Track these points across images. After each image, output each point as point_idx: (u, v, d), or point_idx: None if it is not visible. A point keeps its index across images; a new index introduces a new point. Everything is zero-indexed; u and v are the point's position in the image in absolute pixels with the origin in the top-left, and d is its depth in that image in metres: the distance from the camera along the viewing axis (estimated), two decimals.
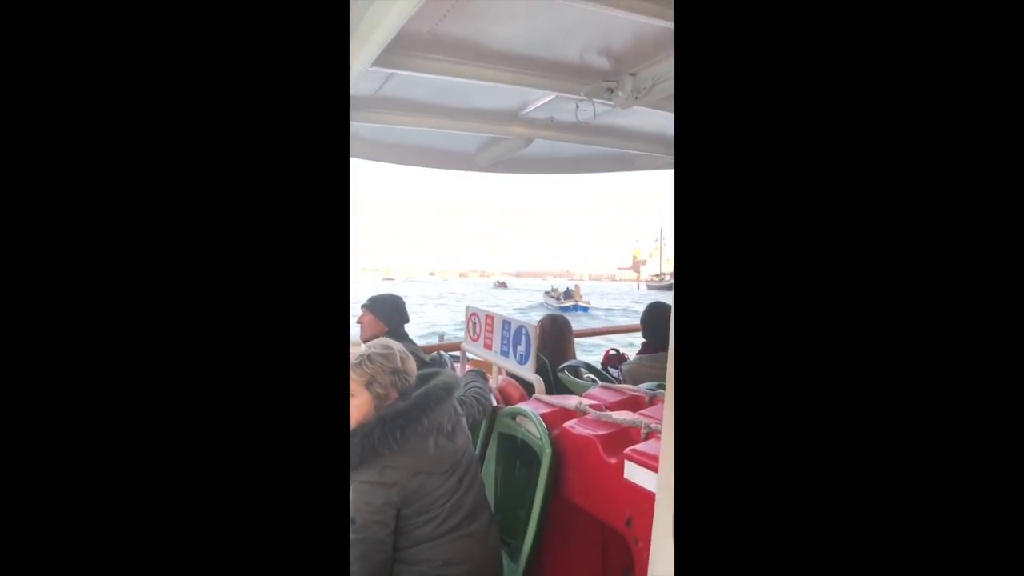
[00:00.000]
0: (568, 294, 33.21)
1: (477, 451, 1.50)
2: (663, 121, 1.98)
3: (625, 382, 1.92)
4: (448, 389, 1.22)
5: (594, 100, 1.53)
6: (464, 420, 1.30)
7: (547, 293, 37.77)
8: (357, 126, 1.88)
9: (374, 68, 1.27)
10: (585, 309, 29.90)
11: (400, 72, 1.36)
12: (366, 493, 1.09)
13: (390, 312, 2.01)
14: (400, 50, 1.27)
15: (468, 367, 2.22)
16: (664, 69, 1.40)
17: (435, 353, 2.38)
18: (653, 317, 2.08)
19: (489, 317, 2.06)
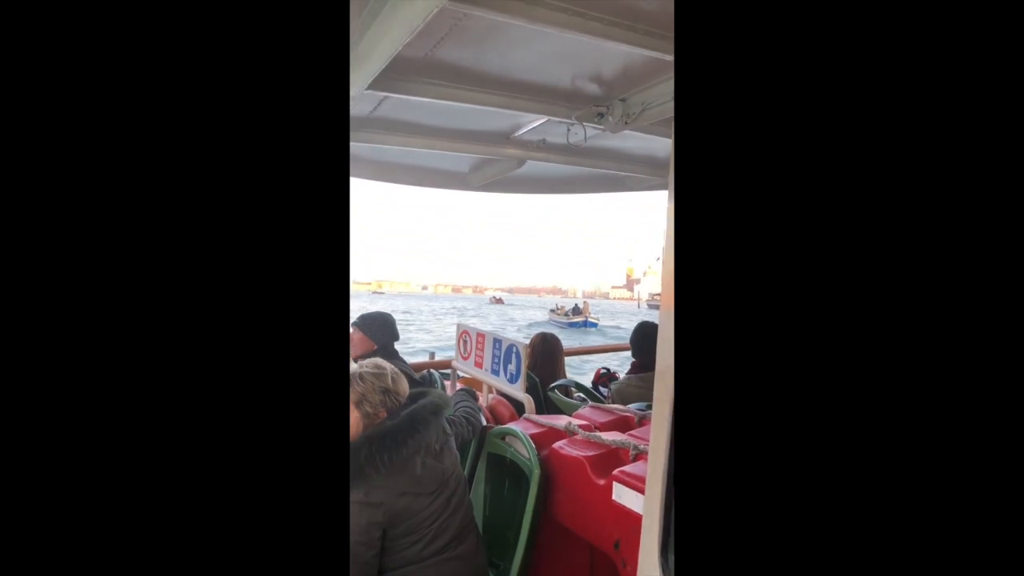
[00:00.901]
0: (577, 310, 33.73)
1: (466, 470, 1.50)
2: (652, 144, 2.02)
3: (614, 402, 1.92)
4: (437, 409, 1.22)
5: (585, 124, 1.56)
6: (453, 440, 1.30)
7: (552, 311, 38.05)
8: (352, 145, 1.91)
9: (369, 91, 1.30)
10: (595, 325, 30.45)
11: (394, 95, 1.39)
12: (352, 513, 1.08)
13: (379, 330, 2.01)
14: (395, 74, 1.29)
15: (458, 385, 2.22)
16: (653, 95, 1.44)
17: (425, 371, 2.37)
18: (642, 336, 2.09)
19: (480, 335, 2.06)
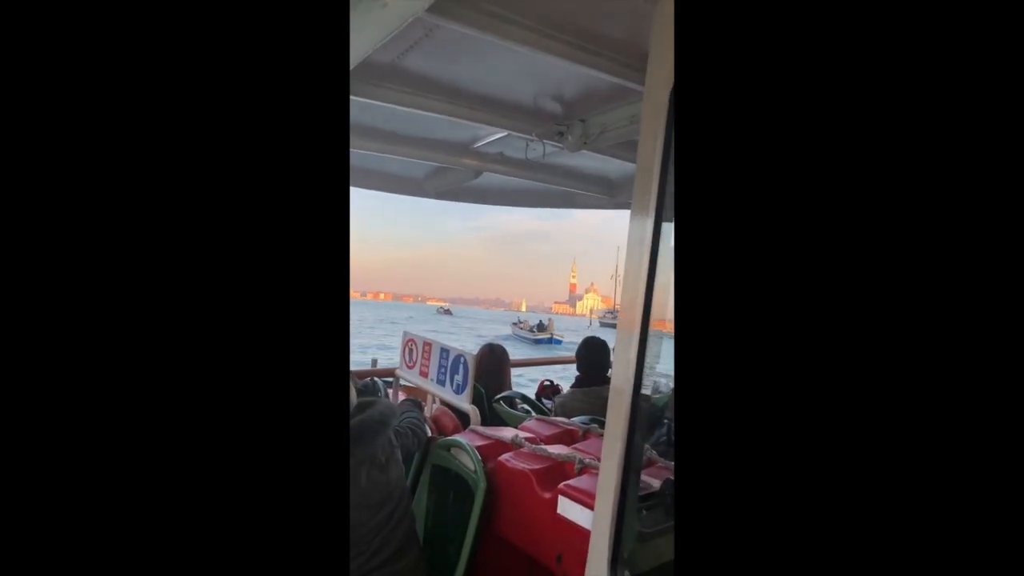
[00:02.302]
0: (542, 326, 33.97)
1: (409, 482, 1.47)
2: (607, 165, 2.09)
3: (557, 414, 1.95)
4: (384, 421, 1.19)
5: (544, 141, 1.59)
6: (398, 452, 1.27)
7: (515, 324, 38.06)
8: None
9: None
10: (560, 342, 30.68)
11: (357, 98, 1.37)
12: None
13: None
14: (360, 77, 1.27)
15: (401, 394, 2.17)
16: (613, 118, 1.49)
17: (368, 379, 2.31)
18: (588, 351, 2.14)
19: (427, 344, 2.04)
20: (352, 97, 1.36)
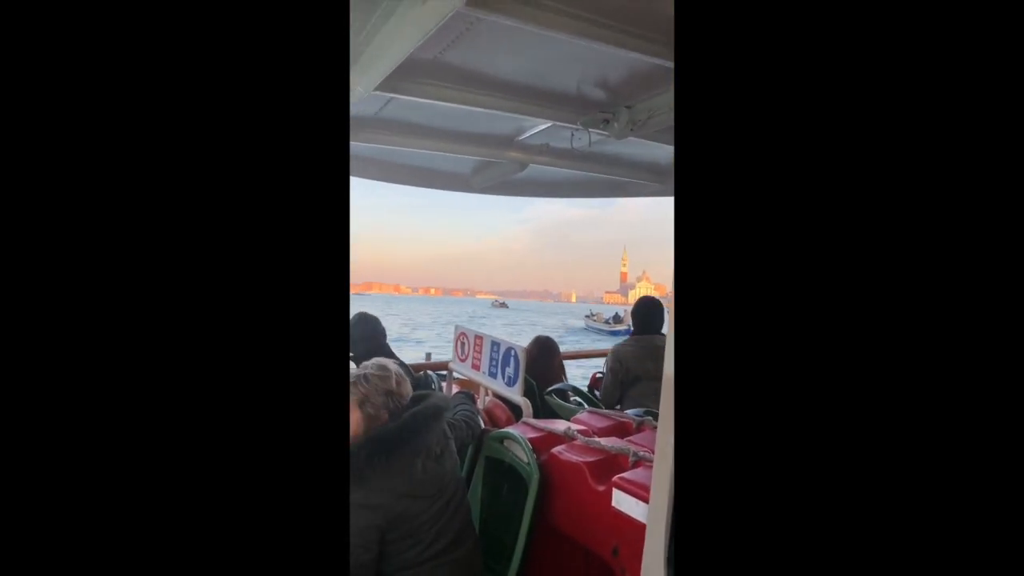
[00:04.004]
0: (618, 318, 33.83)
1: (463, 473, 1.49)
2: (656, 151, 2.03)
3: (612, 362, 2.07)
4: (438, 412, 1.21)
5: (590, 130, 1.57)
6: (453, 444, 1.29)
7: (588, 317, 37.96)
8: (356, 146, 1.90)
9: (376, 92, 1.29)
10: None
11: (400, 96, 1.39)
12: (351, 515, 1.08)
13: (351, 341, 1.95)
14: (403, 75, 1.29)
15: (455, 387, 2.21)
16: (659, 103, 1.44)
17: (423, 372, 2.37)
18: (642, 307, 2.21)
19: (478, 337, 2.06)
20: (396, 96, 1.38)
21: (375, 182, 2.41)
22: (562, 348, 2.50)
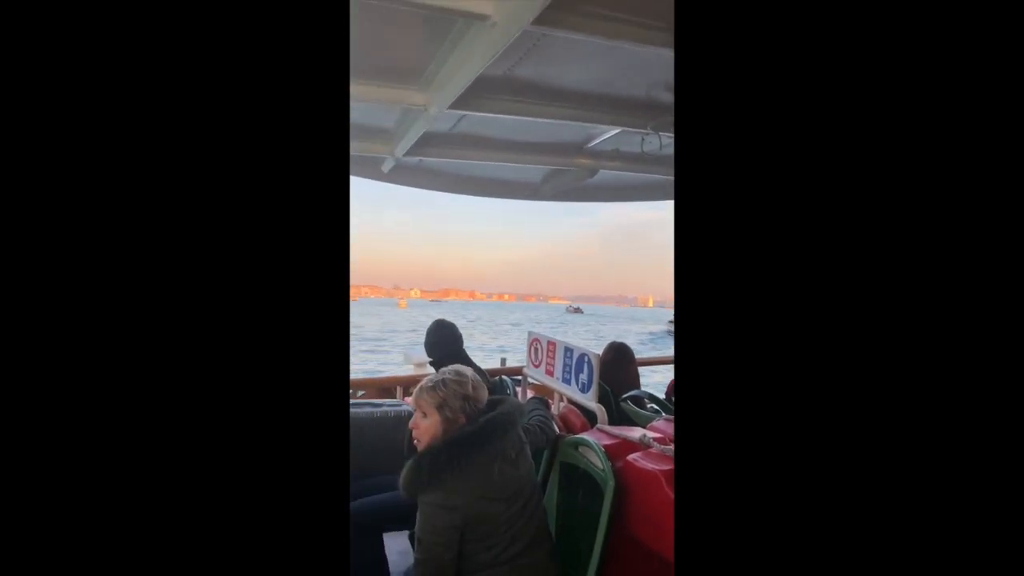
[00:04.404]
0: None
1: (539, 478, 1.51)
2: None
3: None
4: (514, 417, 1.24)
5: (660, 133, 1.55)
6: (528, 448, 1.32)
7: (672, 323, 37.30)
8: (429, 161, 1.99)
9: (449, 110, 1.36)
10: None
11: (472, 112, 1.44)
12: (431, 515, 1.13)
13: (430, 346, 2.03)
14: (475, 92, 1.35)
15: (529, 393, 2.24)
16: None
17: (497, 378, 2.42)
18: None
19: (552, 344, 2.08)
20: (466, 112, 1.44)
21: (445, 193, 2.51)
22: (648, 356, 2.45)
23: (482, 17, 0.94)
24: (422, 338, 2.04)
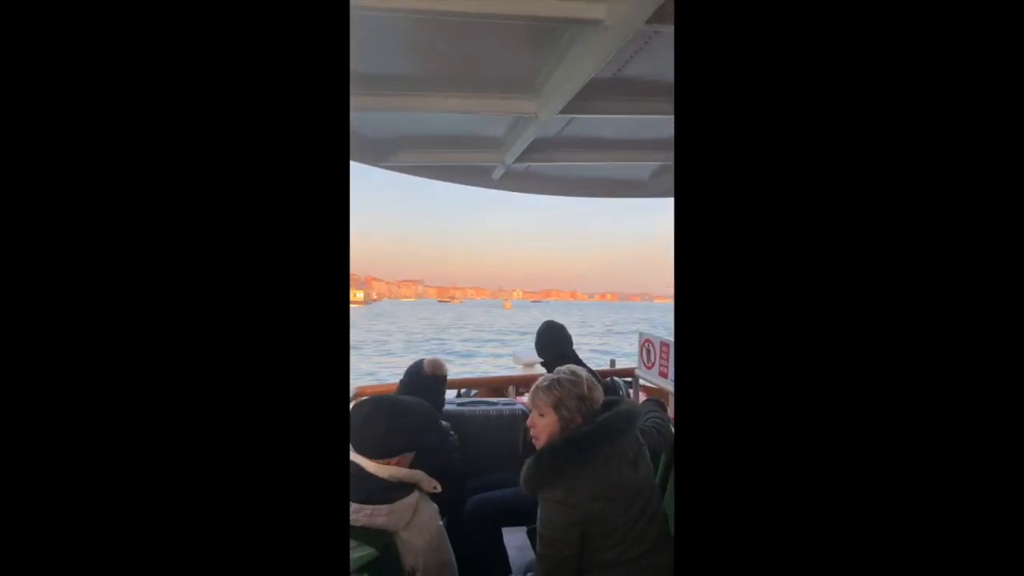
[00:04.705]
0: None
1: (657, 480, 1.48)
2: None
3: None
4: (630, 418, 1.23)
5: None
6: (646, 450, 1.30)
7: None
8: (536, 166, 2.03)
9: (558, 115, 1.38)
10: None
11: (580, 115, 1.45)
12: (552, 512, 1.15)
13: (542, 346, 2.04)
14: (586, 96, 1.36)
15: (642, 394, 2.20)
16: None
17: (609, 379, 2.40)
18: None
19: (664, 345, 2.03)
20: (575, 116, 1.45)
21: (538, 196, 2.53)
22: None
23: (595, 22, 0.95)
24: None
